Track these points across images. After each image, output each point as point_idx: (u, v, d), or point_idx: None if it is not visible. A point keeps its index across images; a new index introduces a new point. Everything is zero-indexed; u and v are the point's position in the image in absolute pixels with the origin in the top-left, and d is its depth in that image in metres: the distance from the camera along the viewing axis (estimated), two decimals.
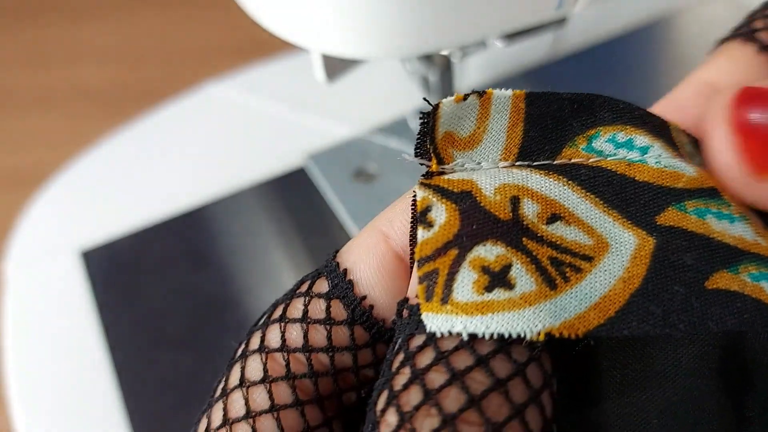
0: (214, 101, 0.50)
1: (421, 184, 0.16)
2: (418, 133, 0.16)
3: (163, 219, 0.42)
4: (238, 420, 0.17)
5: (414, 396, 0.14)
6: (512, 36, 0.31)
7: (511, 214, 0.15)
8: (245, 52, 0.67)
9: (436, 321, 0.14)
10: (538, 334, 0.14)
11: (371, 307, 0.17)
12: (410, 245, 0.17)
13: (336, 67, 0.35)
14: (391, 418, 0.14)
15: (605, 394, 0.16)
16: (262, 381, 0.17)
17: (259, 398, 0.17)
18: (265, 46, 0.54)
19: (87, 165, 0.46)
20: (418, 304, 0.15)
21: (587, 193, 0.15)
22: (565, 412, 0.16)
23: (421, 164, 0.16)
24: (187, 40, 0.83)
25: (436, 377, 0.14)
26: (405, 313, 0.15)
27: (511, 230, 0.15)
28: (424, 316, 0.14)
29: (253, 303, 0.37)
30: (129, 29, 0.87)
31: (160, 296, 0.38)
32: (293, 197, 0.42)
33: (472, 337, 0.14)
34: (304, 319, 0.17)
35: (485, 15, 0.27)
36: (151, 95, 0.58)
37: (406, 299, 0.16)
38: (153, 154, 0.47)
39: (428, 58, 0.37)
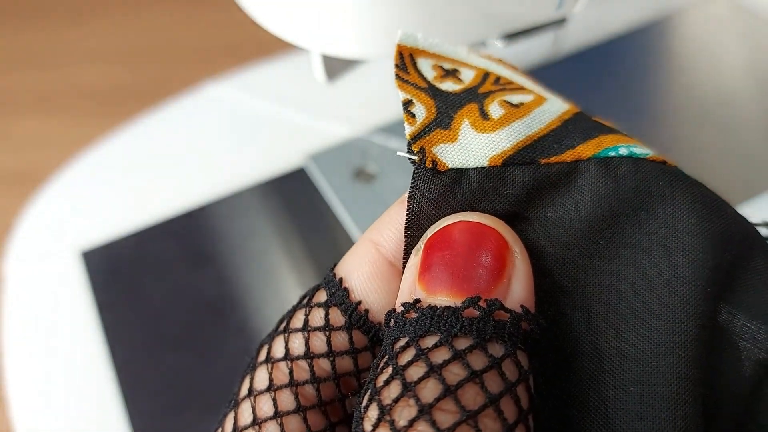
0: (214, 101, 0.50)
1: (399, 79, 0.19)
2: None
3: (163, 219, 0.42)
4: (246, 428, 0.17)
5: (394, 390, 0.14)
6: (512, 36, 0.31)
7: (477, 82, 0.20)
8: (245, 52, 0.67)
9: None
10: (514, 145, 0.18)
11: (367, 311, 0.18)
12: (404, 251, 0.18)
13: (336, 67, 0.35)
14: (373, 412, 0.14)
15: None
16: (268, 390, 0.18)
17: (265, 406, 0.18)
18: (265, 46, 0.54)
19: (87, 165, 0.46)
20: (402, 312, 0.16)
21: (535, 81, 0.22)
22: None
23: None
24: (187, 40, 0.83)
25: (415, 371, 0.15)
26: (392, 323, 0.16)
27: (475, 92, 0.19)
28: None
29: (253, 303, 0.37)
30: (129, 29, 0.87)
31: (160, 296, 0.38)
32: (293, 197, 0.42)
33: (451, 333, 0.15)
34: (305, 327, 0.18)
35: (485, 15, 0.27)
36: (151, 95, 0.58)
37: (393, 310, 0.17)
38: (153, 154, 0.47)
39: None
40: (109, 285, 0.39)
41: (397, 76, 0.19)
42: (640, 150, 0.18)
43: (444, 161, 0.18)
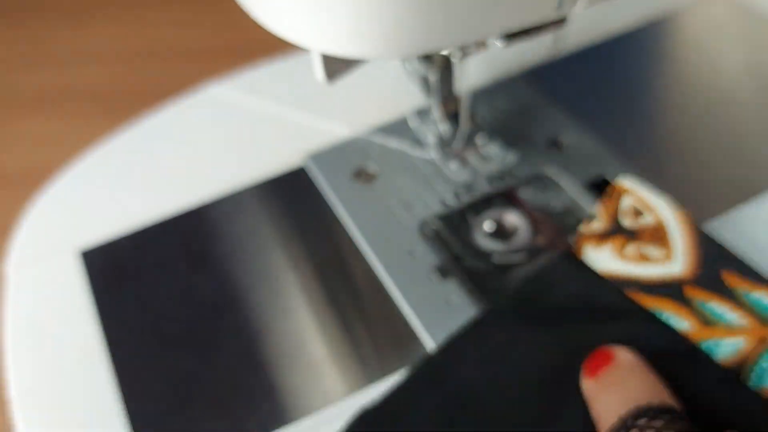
0: (214, 101, 0.50)
1: (602, 204, 0.33)
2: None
3: (163, 219, 0.42)
4: None
5: None
6: (512, 36, 0.31)
7: None
8: (245, 52, 0.67)
9: None
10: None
11: None
12: None
13: (336, 67, 0.35)
14: None
15: None
16: None
17: None
18: (265, 46, 0.54)
19: (87, 165, 0.46)
20: None
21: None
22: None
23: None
24: (187, 40, 0.83)
25: None
26: None
27: None
28: None
29: (253, 303, 0.37)
30: (129, 29, 0.87)
31: (160, 296, 0.38)
32: (293, 197, 0.42)
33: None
34: None
35: (485, 15, 0.27)
36: (151, 95, 0.58)
37: None
38: (153, 154, 0.47)
39: (428, 58, 0.37)
40: (109, 285, 0.39)
41: (602, 203, 0.33)
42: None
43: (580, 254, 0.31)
